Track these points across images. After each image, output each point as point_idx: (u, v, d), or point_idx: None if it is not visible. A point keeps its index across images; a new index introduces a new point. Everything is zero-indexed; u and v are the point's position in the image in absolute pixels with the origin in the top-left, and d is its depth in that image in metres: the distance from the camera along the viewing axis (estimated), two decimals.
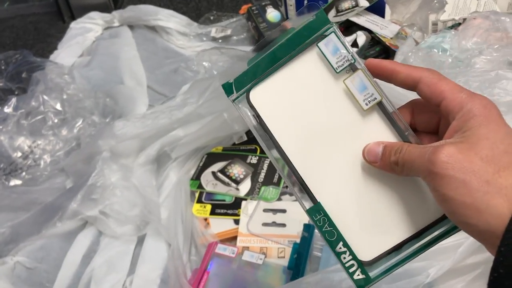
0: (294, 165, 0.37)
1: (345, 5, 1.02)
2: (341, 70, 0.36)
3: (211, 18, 1.20)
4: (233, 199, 0.75)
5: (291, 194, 0.74)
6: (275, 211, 0.72)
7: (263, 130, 0.37)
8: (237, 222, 0.72)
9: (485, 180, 0.28)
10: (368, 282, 0.35)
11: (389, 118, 0.36)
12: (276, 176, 0.77)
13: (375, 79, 0.36)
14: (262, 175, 0.77)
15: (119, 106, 0.95)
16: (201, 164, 0.80)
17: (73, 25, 1.23)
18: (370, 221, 0.36)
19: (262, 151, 0.82)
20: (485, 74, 0.61)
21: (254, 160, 0.80)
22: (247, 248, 0.68)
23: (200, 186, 0.76)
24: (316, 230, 0.66)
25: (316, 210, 0.36)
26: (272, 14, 1.10)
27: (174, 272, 0.64)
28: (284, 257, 0.67)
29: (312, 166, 0.37)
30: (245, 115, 0.38)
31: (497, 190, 0.28)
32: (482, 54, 0.68)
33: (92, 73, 1.06)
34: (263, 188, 0.75)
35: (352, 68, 0.36)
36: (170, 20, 1.17)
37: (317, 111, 0.37)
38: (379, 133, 0.36)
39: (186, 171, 0.79)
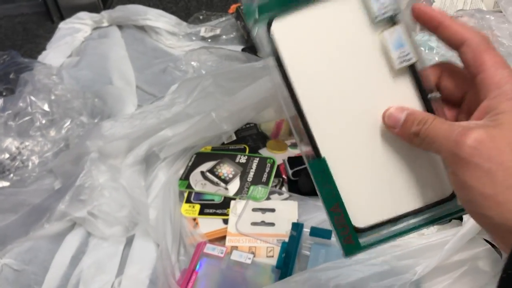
0: (305, 113, 0.33)
1: None
2: (380, 20, 0.32)
3: (201, 17, 1.20)
4: (222, 198, 0.74)
5: (280, 193, 0.74)
6: (264, 210, 0.72)
7: (279, 68, 0.33)
8: (226, 221, 0.72)
9: (511, 174, 0.27)
10: (357, 249, 0.34)
11: (419, 82, 0.33)
12: (265, 176, 0.77)
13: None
14: (251, 174, 0.77)
15: (108, 107, 0.94)
16: (190, 164, 0.80)
17: (62, 25, 1.22)
18: (374, 187, 0.34)
19: (251, 151, 0.82)
20: None
21: (243, 159, 0.80)
22: (236, 247, 0.68)
23: (189, 186, 0.76)
24: (305, 229, 0.67)
25: (318, 164, 0.33)
26: None
27: (162, 272, 0.64)
28: (273, 256, 0.67)
29: (325, 118, 0.34)
30: (264, 45, 0.33)
31: None
32: None
33: (81, 73, 1.06)
34: (252, 187, 0.75)
35: (393, 20, 0.32)
36: (159, 19, 1.17)
37: (343, 60, 0.33)
38: (405, 97, 0.33)
39: (174, 171, 0.79)
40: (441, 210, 0.34)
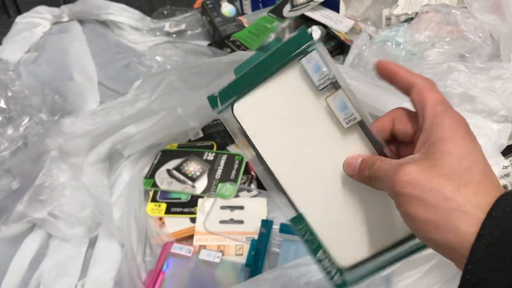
0: (277, 177, 0.38)
1: (299, 0, 1.01)
2: (322, 88, 0.36)
3: (165, 12, 1.18)
4: (189, 197, 0.73)
5: (248, 190, 0.73)
6: (232, 208, 0.70)
7: (248, 143, 0.38)
8: (193, 220, 0.70)
9: (443, 198, 0.29)
10: (345, 286, 0.38)
11: (368, 133, 0.37)
12: (233, 173, 0.75)
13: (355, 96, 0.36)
14: (219, 171, 0.75)
15: (69, 103, 0.91)
16: (155, 162, 0.78)
17: (19, 19, 1.17)
18: (349, 231, 0.38)
19: (218, 147, 0.80)
20: (437, 66, 0.62)
21: (210, 156, 0.78)
22: (204, 246, 0.66)
23: (154, 185, 0.74)
24: (274, 226, 0.66)
25: (299, 221, 0.38)
26: (227, 9, 1.09)
27: (128, 274, 0.62)
28: (242, 254, 0.65)
29: (295, 178, 0.38)
30: (231, 127, 0.38)
31: (456, 206, 0.29)
32: (434, 47, 0.69)
33: (40, 69, 1.01)
34: (220, 185, 0.73)
35: (335, 86, 0.36)
36: (122, 14, 1.14)
37: (299, 126, 0.38)
38: (359, 148, 0.37)
39: (139, 169, 0.77)
40: (413, 243, 0.37)
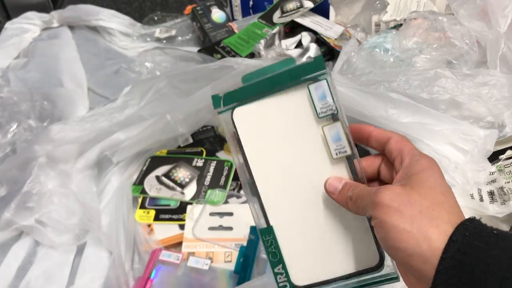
0: (258, 188, 0.40)
1: (289, 6, 1.02)
2: (322, 116, 0.38)
3: (155, 18, 1.17)
4: (178, 203, 0.72)
5: (238, 197, 0.73)
6: (221, 214, 0.70)
7: (239, 148, 0.40)
8: (182, 227, 0.70)
9: (419, 211, 0.32)
10: None
11: (352, 168, 0.39)
12: (223, 179, 0.75)
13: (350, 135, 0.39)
14: (208, 178, 0.75)
15: (58, 110, 0.90)
16: (144, 168, 0.78)
17: (8, 25, 1.16)
18: (313, 252, 0.39)
19: (208, 154, 0.80)
20: (424, 72, 0.62)
21: (200, 163, 0.78)
22: (192, 253, 0.66)
23: (143, 191, 0.74)
24: None
25: (267, 232, 0.39)
26: (217, 15, 1.09)
27: (116, 281, 0.62)
28: (231, 261, 0.65)
29: (274, 192, 0.40)
30: (226, 129, 0.40)
31: (429, 219, 0.31)
32: (422, 53, 0.69)
33: (29, 75, 1.01)
34: (209, 191, 0.73)
35: (334, 117, 0.38)
36: (112, 20, 1.13)
37: (291, 144, 0.40)
38: (341, 175, 0.40)
39: (128, 176, 0.76)
40: (369, 277, 0.38)
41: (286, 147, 0.40)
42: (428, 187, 0.33)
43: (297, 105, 0.39)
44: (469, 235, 0.30)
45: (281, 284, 0.40)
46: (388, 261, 0.38)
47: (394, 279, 0.38)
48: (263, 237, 0.40)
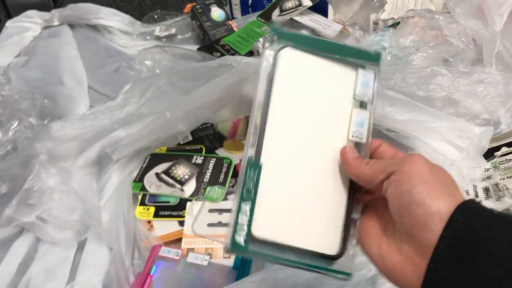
0: (267, 126, 0.39)
1: (288, 4, 1.02)
2: (357, 100, 0.40)
3: (155, 17, 1.18)
4: (178, 200, 0.73)
5: None
6: (221, 211, 0.71)
7: (266, 86, 0.39)
8: (182, 223, 0.70)
9: (443, 181, 0.34)
10: (241, 249, 0.37)
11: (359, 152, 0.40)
12: (222, 176, 0.76)
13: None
14: (208, 175, 0.76)
15: (59, 108, 0.91)
16: (144, 166, 0.78)
17: (9, 24, 1.17)
18: (285, 211, 0.38)
19: (207, 151, 0.81)
20: (421, 70, 0.63)
21: (199, 160, 0.79)
22: (192, 249, 0.67)
23: (143, 188, 0.75)
24: None
25: (254, 168, 0.38)
26: (217, 13, 1.10)
27: (116, 277, 0.62)
28: (229, 257, 0.66)
29: (280, 139, 0.39)
30: (264, 63, 0.40)
31: (450, 191, 0.33)
32: (419, 51, 0.70)
33: (30, 73, 1.01)
34: (208, 188, 0.74)
35: (365, 105, 0.41)
36: (112, 18, 1.14)
37: (317, 108, 0.40)
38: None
39: (128, 173, 0.77)
40: (321, 264, 0.38)
41: (312, 106, 0.40)
42: (444, 170, 0.35)
43: (342, 78, 0.41)
44: (470, 215, 0.30)
45: (239, 224, 0.37)
46: (346, 256, 0.38)
47: (345, 275, 0.37)
48: (247, 171, 0.38)
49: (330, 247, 0.38)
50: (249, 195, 0.37)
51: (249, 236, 0.37)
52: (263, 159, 0.38)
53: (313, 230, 0.38)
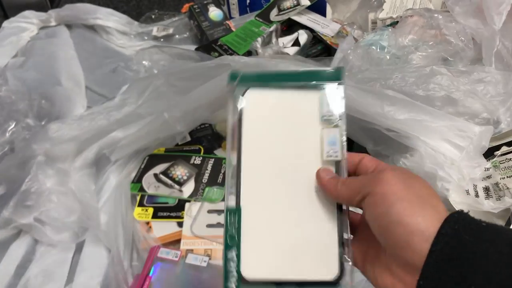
0: (242, 168, 0.39)
1: (286, 4, 1.02)
2: (325, 120, 0.41)
3: (153, 17, 1.17)
4: (176, 201, 0.73)
5: None
6: (219, 211, 0.71)
7: (237, 127, 0.41)
8: (180, 224, 0.70)
9: (419, 195, 0.33)
10: None
11: (339, 173, 0.40)
12: (221, 177, 0.75)
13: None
14: (206, 175, 0.76)
15: (56, 108, 0.90)
16: (142, 166, 0.78)
17: (6, 24, 1.16)
18: (273, 247, 0.38)
19: (205, 151, 0.81)
20: (420, 69, 0.63)
21: (197, 160, 0.78)
22: (191, 251, 0.66)
23: (141, 189, 0.74)
24: None
25: (234, 213, 0.38)
26: (214, 13, 1.09)
27: (114, 279, 0.62)
28: None
29: (256, 176, 0.40)
30: (232, 106, 0.41)
31: (429, 204, 0.32)
32: (418, 50, 0.70)
33: (27, 74, 1.01)
34: (207, 189, 0.74)
35: (335, 123, 0.41)
36: (110, 19, 1.14)
37: (288, 137, 0.41)
38: None
39: (126, 174, 0.77)
40: None
41: (283, 137, 0.41)
42: (421, 181, 0.34)
43: (307, 103, 0.41)
44: (458, 228, 0.30)
45: (228, 272, 0.37)
46: (346, 278, 0.37)
47: None
48: (227, 218, 0.38)
49: (328, 272, 0.37)
50: (233, 241, 0.38)
51: (241, 281, 0.37)
52: (242, 202, 0.39)
53: (307, 259, 0.38)
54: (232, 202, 0.39)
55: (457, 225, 0.30)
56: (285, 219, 0.39)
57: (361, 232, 0.39)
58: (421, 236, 0.30)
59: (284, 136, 0.41)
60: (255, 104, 0.41)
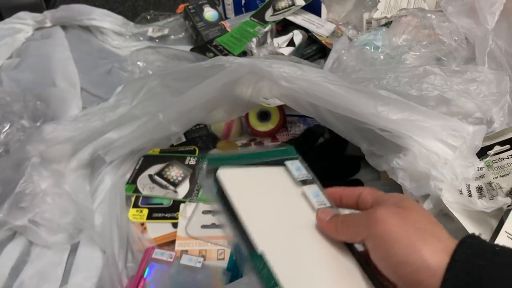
0: (247, 228, 0.38)
1: (281, 4, 1.02)
2: (300, 181, 0.45)
3: (148, 17, 1.18)
4: (171, 202, 0.73)
5: None
6: (214, 212, 0.70)
7: (225, 202, 0.41)
8: (175, 225, 0.70)
9: (417, 227, 0.33)
10: None
11: None
12: None
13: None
14: None
15: (51, 110, 0.90)
16: (137, 167, 0.78)
17: (1, 25, 1.16)
18: (308, 277, 0.37)
19: (201, 152, 0.81)
20: (414, 69, 0.63)
21: (192, 161, 0.78)
22: (185, 251, 0.66)
23: (136, 190, 0.74)
24: None
25: (258, 258, 0.36)
26: (210, 13, 1.09)
27: (109, 280, 0.62)
28: (224, 258, 0.66)
29: (264, 233, 0.39)
30: (211, 188, 0.43)
31: (430, 235, 0.32)
32: (411, 50, 0.70)
33: (22, 75, 1.01)
34: (202, 189, 0.74)
35: (309, 182, 0.45)
36: (105, 19, 1.14)
37: (276, 198, 0.44)
38: None
39: (121, 175, 0.76)
40: None
41: (271, 203, 0.43)
42: (418, 211, 0.35)
43: (278, 174, 0.46)
44: (472, 254, 0.30)
45: None
46: None
47: None
48: (254, 263, 0.36)
49: None
50: (271, 280, 0.35)
51: None
52: (260, 247, 0.37)
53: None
54: (246, 251, 0.37)
55: (469, 250, 0.30)
56: (310, 263, 0.38)
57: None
58: (428, 272, 0.30)
59: (272, 201, 0.43)
60: (231, 179, 0.42)
